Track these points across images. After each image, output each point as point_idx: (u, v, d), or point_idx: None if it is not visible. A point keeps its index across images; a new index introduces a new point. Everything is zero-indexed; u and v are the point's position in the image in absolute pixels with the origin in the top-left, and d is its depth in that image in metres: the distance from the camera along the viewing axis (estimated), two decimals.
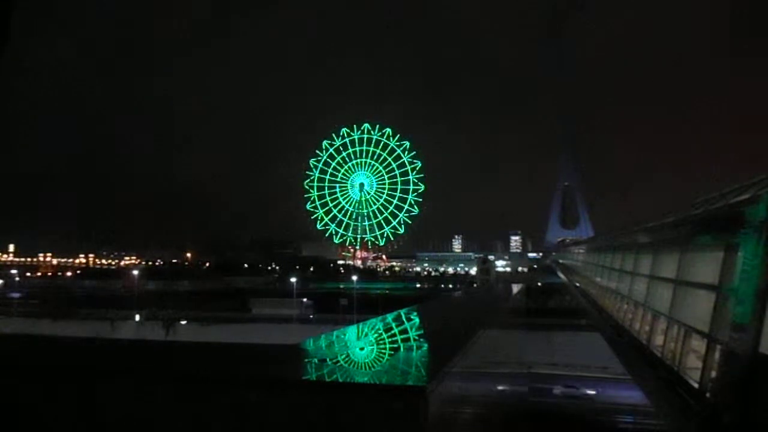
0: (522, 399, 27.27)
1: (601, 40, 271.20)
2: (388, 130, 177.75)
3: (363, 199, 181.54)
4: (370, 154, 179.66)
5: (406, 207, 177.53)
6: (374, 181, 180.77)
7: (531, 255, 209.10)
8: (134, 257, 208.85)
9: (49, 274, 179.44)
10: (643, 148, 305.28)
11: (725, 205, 11.48)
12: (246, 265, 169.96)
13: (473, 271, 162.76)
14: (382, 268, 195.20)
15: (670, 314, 14.16)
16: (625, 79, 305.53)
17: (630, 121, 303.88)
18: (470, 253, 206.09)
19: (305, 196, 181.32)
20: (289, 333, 60.73)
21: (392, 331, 16.26)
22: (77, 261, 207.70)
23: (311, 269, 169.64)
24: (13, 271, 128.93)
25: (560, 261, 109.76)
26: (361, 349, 12.95)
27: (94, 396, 7.87)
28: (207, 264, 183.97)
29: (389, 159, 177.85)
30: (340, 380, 8.39)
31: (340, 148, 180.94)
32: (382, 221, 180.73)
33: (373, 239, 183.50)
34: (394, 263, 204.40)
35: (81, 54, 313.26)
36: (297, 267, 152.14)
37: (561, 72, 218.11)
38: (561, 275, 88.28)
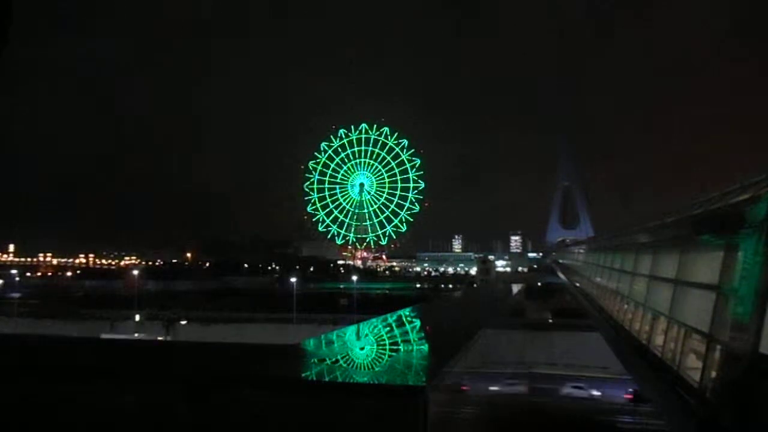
0: (522, 399, 27.27)
1: (602, 41, 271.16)
2: (386, 129, 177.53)
3: (363, 199, 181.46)
4: (368, 154, 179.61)
5: (407, 205, 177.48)
6: (374, 180, 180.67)
7: (531, 255, 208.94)
8: (134, 257, 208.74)
9: (49, 274, 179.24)
10: (643, 148, 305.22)
11: (725, 205, 11.46)
12: (246, 265, 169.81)
13: (473, 271, 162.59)
14: (382, 268, 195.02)
15: (670, 314, 14.15)
16: (625, 78, 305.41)
17: (630, 120, 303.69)
18: (470, 253, 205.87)
19: (305, 198, 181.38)
20: (289, 333, 60.76)
21: (392, 331, 16.25)
22: (77, 261, 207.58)
23: (311, 269, 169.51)
24: (13, 271, 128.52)
25: (560, 261, 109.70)
26: (361, 349, 12.95)
27: (95, 396, 7.86)
28: (207, 264, 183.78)
29: (388, 158, 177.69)
30: (340, 380, 8.39)
31: (339, 149, 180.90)
32: (383, 220, 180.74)
33: (375, 238, 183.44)
34: (394, 263, 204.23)
35: (79, 57, 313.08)
36: (297, 267, 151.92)
37: (561, 73, 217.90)
38: (561, 275, 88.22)
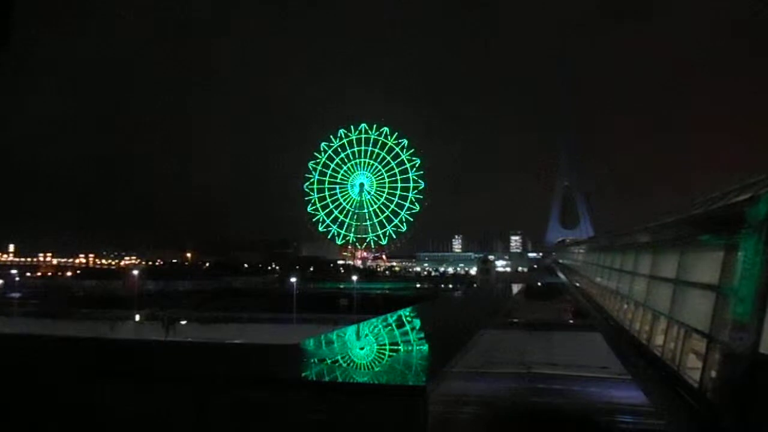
0: (522, 399, 27.18)
1: (602, 41, 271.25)
2: (386, 129, 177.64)
3: (363, 199, 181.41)
4: (368, 154, 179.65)
5: (407, 205, 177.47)
6: (374, 180, 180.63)
7: (531, 255, 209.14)
8: (134, 257, 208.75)
9: (49, 274, 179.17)
10: (643, 149, 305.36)
11: (725, 205, 11.47)
12: (246, 265, 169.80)
13: (473, 271, 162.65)
14: (381, 268, 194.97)
15: (670, 314, 14.15)
16: (625, 78, 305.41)
17: (630, 120, 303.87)
18: (470, 253, 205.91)
19: (305, 198, 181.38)
20: (289, 333, 60.69)
21: (392, 331, 16.27)
22: (77, 261, 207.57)
23: (311, 269, 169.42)
24: (13, 271, 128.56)
25: (560, 261, 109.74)
26: (361, 349, 12.95)
27: (95, 396, 7.86)
28: (207, 264, 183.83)
29: (388, 158, 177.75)
30: (340, 380, 8.39)
31: (339, 149, 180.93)
32: (383, 220, 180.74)
33: (375, 238, 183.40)
34: (394, 263, 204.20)
35: (80, 57, 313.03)
36: (297, 267, 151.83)
37: (561, 73, 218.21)
38: (561, 275, 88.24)
